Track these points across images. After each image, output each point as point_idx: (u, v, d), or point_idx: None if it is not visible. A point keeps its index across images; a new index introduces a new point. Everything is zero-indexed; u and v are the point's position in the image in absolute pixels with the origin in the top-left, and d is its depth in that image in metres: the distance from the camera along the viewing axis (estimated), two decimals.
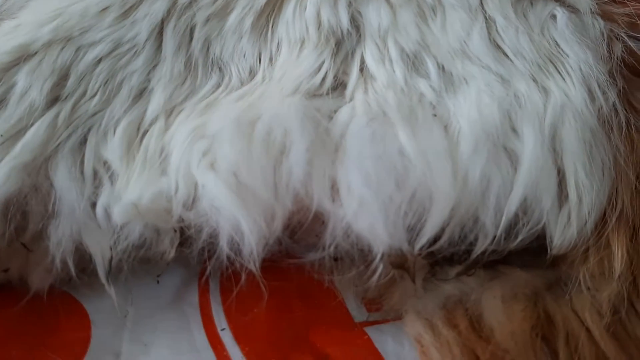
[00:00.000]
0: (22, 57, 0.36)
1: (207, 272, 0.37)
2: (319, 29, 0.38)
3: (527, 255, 0.35)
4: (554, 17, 0.38)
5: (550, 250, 0.33)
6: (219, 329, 0.36)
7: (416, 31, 0.37)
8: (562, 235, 0.33)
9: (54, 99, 0.36)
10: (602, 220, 0.33)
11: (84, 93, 0.36)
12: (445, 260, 0.35)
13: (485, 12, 0.37)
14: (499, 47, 0.36)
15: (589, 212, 0.33)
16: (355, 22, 0.38)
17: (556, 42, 0.37)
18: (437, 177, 0.33)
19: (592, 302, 0.32)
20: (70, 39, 0.37)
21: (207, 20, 0.38)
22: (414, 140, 0.33)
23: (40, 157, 0.35)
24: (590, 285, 0.33)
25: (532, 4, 0.38)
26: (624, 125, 0.36)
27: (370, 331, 0.36)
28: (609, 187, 0.33)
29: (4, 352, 0.34)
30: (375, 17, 0.37)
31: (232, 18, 0.38)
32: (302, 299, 0.37)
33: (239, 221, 0.33)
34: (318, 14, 0.38)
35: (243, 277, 0.33)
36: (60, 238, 0.34)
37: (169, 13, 0.38)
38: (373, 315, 0.37)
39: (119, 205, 0.34)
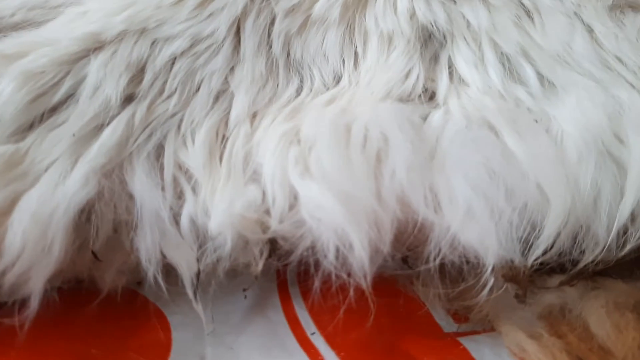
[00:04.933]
0: (92, 47, 0.33)
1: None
2: (412, 23, 0.36)
3: (624, 266, 0.35)
4: None
5: None
6: (308, 333, 0.34)
7: (516, 33, 0.35)
8: None
9: (129, 97, 0.33)
10: None
11: (161, 92, 0.33)
12: (549, 270, 0.34)
13: (582, 19, 0.36)
14: (600, 53, 0.35)
15: None
16: (447, 22, 0.36)
17: None
18: (551, 184, 0.31)
19: None
20: (145, 31, 0.34)
21: (290, 11, 0.36)
22: (523, 145, 0.32)
23: (116, 159, 0.32)
24: None
25: (623, 13, 0.37)
26: None
27: (464, 341, 0.34)
28: None
29: (83, 350, 0.31)
30: (472, 17, 0.36)
31: (318, 8, 0.36)
32: (386, 306, 0.35)
33: (346, 231, 0.30)
34: (412, 9, 0.36)
35: (351, 292, 0.31)
36: (146, 248, 0.31)
37: (245, 8, 0.36)
38: (462, 327, 0.35)
39: (214, 215, 0.31)
